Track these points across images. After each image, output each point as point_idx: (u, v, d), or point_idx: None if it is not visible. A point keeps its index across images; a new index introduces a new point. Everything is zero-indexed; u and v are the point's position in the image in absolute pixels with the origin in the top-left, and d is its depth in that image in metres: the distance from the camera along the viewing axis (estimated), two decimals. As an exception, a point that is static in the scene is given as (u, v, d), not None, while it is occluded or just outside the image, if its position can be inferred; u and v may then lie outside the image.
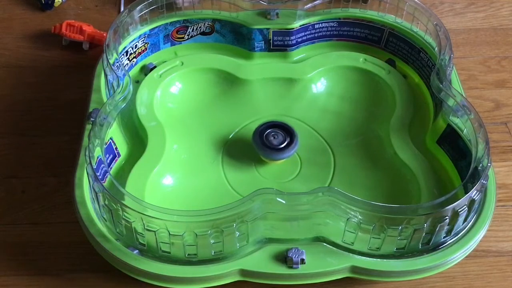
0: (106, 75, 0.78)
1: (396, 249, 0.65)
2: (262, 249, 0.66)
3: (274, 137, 0.77)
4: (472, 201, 0.64)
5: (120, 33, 0.80)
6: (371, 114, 0.84)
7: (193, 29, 0.89)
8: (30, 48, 0.98)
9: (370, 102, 0.85)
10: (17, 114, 0.88)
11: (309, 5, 0.87)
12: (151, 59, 0.88)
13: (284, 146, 0.77)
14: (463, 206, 0.63)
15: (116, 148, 0.75)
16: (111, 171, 0.73)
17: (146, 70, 0.87)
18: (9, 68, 0.94)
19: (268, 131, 0.78)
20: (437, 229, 0.63)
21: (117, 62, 0.76)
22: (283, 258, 0.65)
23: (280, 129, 0.78)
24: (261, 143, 0.77)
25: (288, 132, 0.78)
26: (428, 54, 0.84)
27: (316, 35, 0.90)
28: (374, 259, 0.65)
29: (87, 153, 0.65)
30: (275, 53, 0.89)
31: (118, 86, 0.74)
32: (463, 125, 0.72)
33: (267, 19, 0.88)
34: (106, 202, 0.64)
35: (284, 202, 0.64)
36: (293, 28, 0.87)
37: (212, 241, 0.64)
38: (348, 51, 0.89)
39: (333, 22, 0.90)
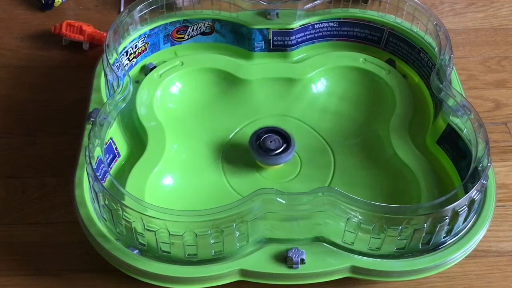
0: (106, 75, 0.78)
1: (396, 249, 0.65)
2: (262, 249, 0.66)
3: (271, 142, 0.76)
4: (472, 201, 0.64)
5: (120, 33, 0.80)
6: (371, 114, 0.84)
7: (193, 29, 0.89)
8: (30, 48, 0.98)
9: (370, 102, 0.85)
10: (17, 114, 0.88)
11: (309, 5, 0.87)
12: (151, 59, 0.88)
13: (281, 151, 0.76)
14: (463, 206, 0.63)
15: (116, 148, 0.75)
16: (111, 171, 0.73)
17: (146, 70, 0.87)
18: (9, 68, 0.94)
19: (264, 136, 0.77)
20: (437, 229, 0.63)
21: (117, 62, 0.76)
22: (283, 258, 0.65)
23: (275, 133, 0.77)
24: (258, 149, 0.76)
25: (283, 136, 0.77)
26: (428, 54, 0.84)
27: (316, 35, 0.90)
28: (374, 259, 0.65)
29: (87, 153, 0.65)
30: (275, 53, 0.89)
31: (118, 86, 0.74)
32: (463, 125, 0.72)
33: (267, 19, 0.88)
34: (106, 202, 0.64)
35: (284, 202, 0.64)
36: (293, 28, 0.87)
37: (212, 241, 0.64)
38: (348, 51, 0.89)
39: (333, 22, 0.90)
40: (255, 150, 0.76)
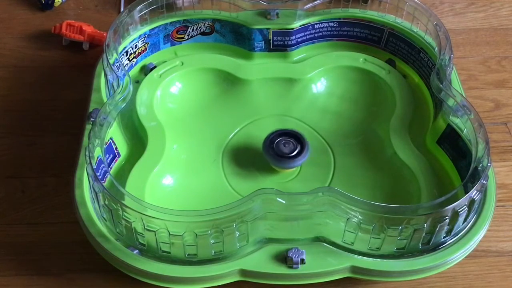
0: (106, 75, 0.78)
1: (396, 249, 0.65)
2: (262, 249, 0.66)
3: (285, 146, 0.76)
4: (472, 201, 0.64)
5: (120, 33, 0.80)
6: (371, 114, 0.84)
7: (193, 29, 0.89)
8: (30, 48, 0.98)
9: (370, 102, 0.85)
10: (17, 114, 0.88)
11: (309, 5, 0.87)
12: (151, 59, 0.88)
13: (296, 154, 0.76)
14: (463, 206, 0.63)
15: (116, 148, 0.75)
16: (111, 171, 0.73)
17: (146, 70, 0.87)
18: (9, 68, 0.94)
19: (278, 139, 0.77)
20: (437, 229, 0.63)
21: (117, 62, 0.76)
22: (283, 258, 0.65)
23: (290, 137, 0.77)
24: (274, 153, 0.75)
25: (298, 139, 0.77)
26: (428, 54, 0.84)
27: (316, 35, 0.90)
28: (374, 259, 0.65)
29: (87, 153, 0.65)
30: (275, 53, 0.89)
31: (118, 86, 0.74)
32: (463, 125, 0.72)
33: (267, 19, 0.88)
34: (106, 202, 0.64)
35: (284, 202, 0.64)
36: (293, 28, 0.87)
37: (212, 241, 0.64)
38: (348, 51, 0.89)
39: (333, 22, 0.89)
40: (270, 154, 0.76)
